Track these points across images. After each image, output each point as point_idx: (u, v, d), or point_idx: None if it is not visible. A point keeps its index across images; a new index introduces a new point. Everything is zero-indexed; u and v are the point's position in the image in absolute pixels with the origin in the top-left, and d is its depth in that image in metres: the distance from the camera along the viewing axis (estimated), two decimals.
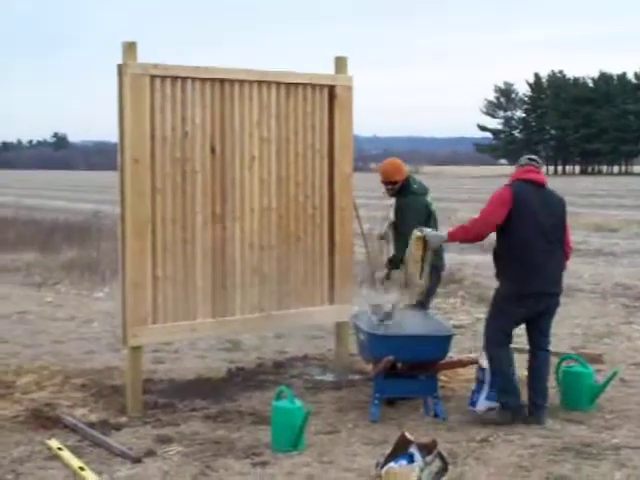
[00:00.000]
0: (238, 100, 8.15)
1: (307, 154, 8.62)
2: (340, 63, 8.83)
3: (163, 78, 7.72)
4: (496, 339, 7.46)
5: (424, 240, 7.69)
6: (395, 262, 8.79)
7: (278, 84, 8.39)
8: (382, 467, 5.99)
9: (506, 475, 6.21)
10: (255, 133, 8.27)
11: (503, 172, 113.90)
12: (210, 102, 8.00)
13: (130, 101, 7.52)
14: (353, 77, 8.83)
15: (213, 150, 8.05)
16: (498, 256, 7.54)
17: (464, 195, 48.52)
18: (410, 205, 8.77)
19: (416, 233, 7.71)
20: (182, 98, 7.85)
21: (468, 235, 7.50)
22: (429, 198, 8.94)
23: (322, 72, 8.77)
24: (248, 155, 8.24)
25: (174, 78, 7.78)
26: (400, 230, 8.72)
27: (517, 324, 7.61)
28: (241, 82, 8.15)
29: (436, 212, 8.98)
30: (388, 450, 6.15)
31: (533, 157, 7.64)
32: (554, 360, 8.55)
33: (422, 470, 5.88)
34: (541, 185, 7.51)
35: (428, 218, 8.70)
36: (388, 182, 8.88)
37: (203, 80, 7.94)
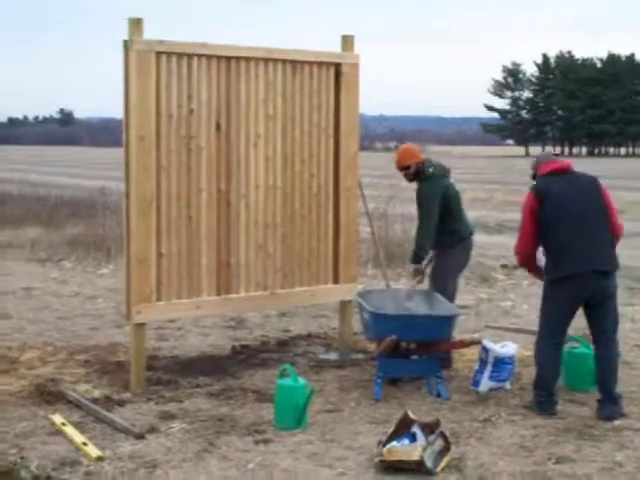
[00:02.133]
0: (244, 77, 8.13)
1: (313, 132, 8.60)
2: (347, 41, 8.79)
3: (169, 55, 7.70)
4: (543, 332, 7.28)
5: None
6: (418, 255, 8.54)
7: (284, 62, 8.36)
8: (384, 446, 6.00)
9: (508, 455, 6.22)
10: (261, 111, 8.25)
11: (510, 152, 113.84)
12: (216, 79, 7.98)
13: (136, 78, 7.50)
14: (359, 55, 8.79)
15: (218, 127, 8.03)
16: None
17: (470, 176, 48.42)
18: (424, 191, 8.48)
19: None
20: (188, 75, 7.83)
21: (520, 255, 7.49)
22: (451, 179, 8.68)
23: (328, 50, 8.74)
24: (253, 133, 8.22)
25: (180, 55, 7.76)
26: (419, 216, 8.53)
27: (566, 314, 7.26)
28: (247, 59, 8.12)
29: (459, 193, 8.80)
30: (391, 429, 6.17)
31: (549, 153, 7.55)
32: None
33: (424, 449, 5.90)
34: (564, 171, 7.33)
35: (449, 200, 8.46)
36: (401, 168, 8.67)
37: (209, 57, 7.91)
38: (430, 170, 8.55)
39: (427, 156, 8.82)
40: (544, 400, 7.17)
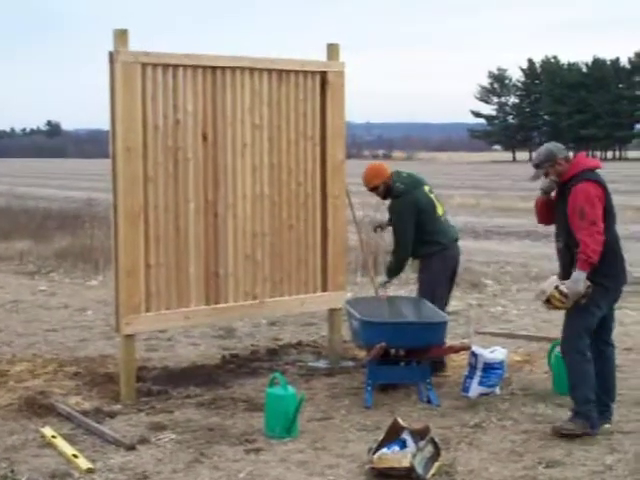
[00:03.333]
0: (230, 87, 8.14)
1: (299, 141, 8.62)
2: (332, 50, 8.81)
3: (154, 66, 7.71)
4: (577, 343, 6.74)
5: (563, 294, 6.66)
6: (394, 271, 8.63)
7: (270, 71, 8.37)
8: (374, 453, 6.01)
9: (499, 460, 6.23)
10: (247, 120, 8.27)
11: (497, 158, 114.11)
12: (202, 89, 8.00)
13: (121, 89, 7.51)
14: (345, 63, 8.82)
15: (205, 137, 8.04)
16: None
17: (458, 182, 48.53)
18: (396, 209, 8.46)
19: (555, 295, 6.68)
20: (174, 86, 7.84)
21: (596, 248, 6.51)
22: (425, 188, 8.58)
23: (314, 59, 8.77)
24: (240, 142, 8.24)
25: (165, 66, 7.77)
26: (394, 234, 8.53)
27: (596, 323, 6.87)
28: (232, 69, 8.14)
29: (436, 199, 8.67)
30: (381, 436, 6.18)
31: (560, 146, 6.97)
32: (547, 345, 8.60)
33: (414, 456, 5.91)
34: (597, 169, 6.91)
35: (422, 212, 8.37)
36: (370, 189, 8.66)
37: (194, 67, 7.93)
38: (399, 186, 8.48)
39: (396, 169, 8.74)
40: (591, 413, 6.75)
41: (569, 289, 6.60)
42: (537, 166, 6.89)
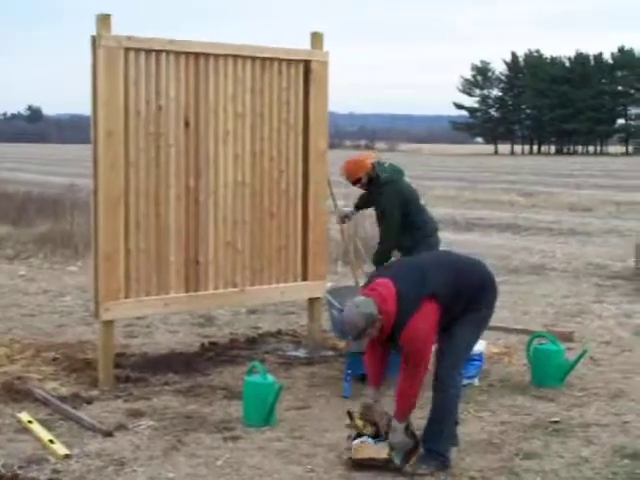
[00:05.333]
0: (213, 74, 8.11)
1: (281, 129, 8.59)
2: (316, 38, 8.79)
3: (137, 51, 7.66)
4: (457, 377, 6.09)
5: None
6: (381, 260, 8.40)
7: (253, 59, 8.34)
8: (354, 440, 6.01)
9: (476, 452, 6.24)
10: (229, 108, 8.23)
11: (479, 150, 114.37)
12: (184, 76, 7.96)
13: (104, 74, 7.46)
14: (329, 53, 8.80)
15: (187, 124, 8.01)
16: None
17: (439, 174, 48.60)
18: (384, 199, 8.42)
19: None
20: (156, 71, 7.80)
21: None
22: (406, 179, 8.63)
23: (298, 47, 8.74)
24: (222, 130, 8.21)
25: (148, 51, 7.73)
26: (381, 223, 8.52)
27: None
28: (216, 56, 8.10)
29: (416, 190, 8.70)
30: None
31: None
32: (526, 338, 8.63)
33: (392, 448, 5.91)
34: None
35: (408, 202, 8.37)
36: (353, 182, 8.62)
37: (177, 53, 7.89)
38: (384, 175, 8.47)
39: (376, 160, 8.67)
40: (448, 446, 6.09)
41: (394, 443, 6.00)
42: (359, 337, 5.93)
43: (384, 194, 8.42)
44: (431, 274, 5.96)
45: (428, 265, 6.14)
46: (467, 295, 5.98)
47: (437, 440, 5.97)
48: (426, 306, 5.81)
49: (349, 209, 9.15)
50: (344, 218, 9.14)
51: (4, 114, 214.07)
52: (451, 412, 6.07)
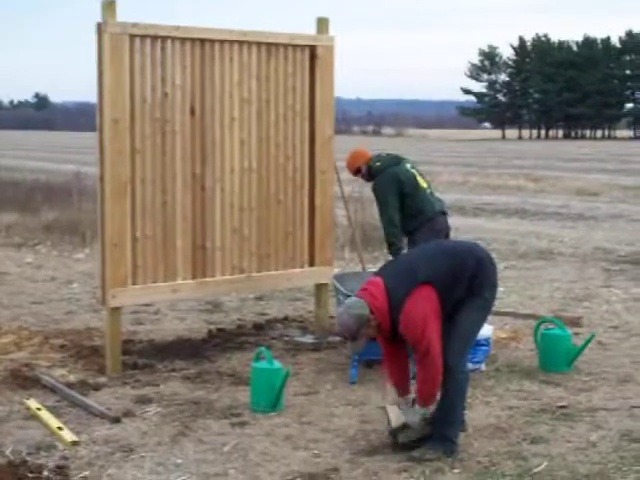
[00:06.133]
0: (218, 60, 8.09)
1: (288, 115, 8.58)
2: (322, 24, 8.76)
3: (143, 37, 7.66)
4: (463, 361, 6.10)
5: None
6: (393, 245, 8.37)
7: (259, 44, 8.33)
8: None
9: (484, 436, 6.24)
10: (235, 94, 8.22)
11: (486, 135, 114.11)
12: (190, 62, 7.95)
13: (109, 61, 7.45)
14: (335, 37, 8.77)
15: (193, 111, 8.00)
16: None
17: (446, 159, 48.51)
18: (377, 185, 8.43)
19: None
20: (162, 58, 7.79)
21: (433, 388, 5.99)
22: (407, 165, 8.50)
23: (304, 32, 8.72)
24: (228, 116, 8.20)
25: (154, 38, 7.72)
26: (380, 211, 8.47)
27: None
28: (221, 42, 8.09)
29: (419, 174, 8.62)
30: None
31: None
32: (533, 323, 8.62)
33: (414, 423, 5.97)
34: None
35: (403, 185, 8.29)
36: (354, 172, 8.64)
37: (183, 40, 7.87)
38: (377, 164, 8.48)
39: (377, 152, 8.76)
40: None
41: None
42: (354, 338, 5.95)
43: (377, 181, 8.44)
44: (420, 265, 5.99)
45: (417, 257, 6.21)
46: (466, 279, 5.98)
47: (446, 425, 5.97)
48: (418, 293, 5.82)
49: None
50: None
51: (11, 102, 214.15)
52: (460, 398, 6.07)
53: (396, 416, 6.00)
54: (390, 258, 8.39)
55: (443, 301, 5.88)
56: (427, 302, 5.83)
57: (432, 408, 6.03)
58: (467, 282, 5.98)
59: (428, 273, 5.90)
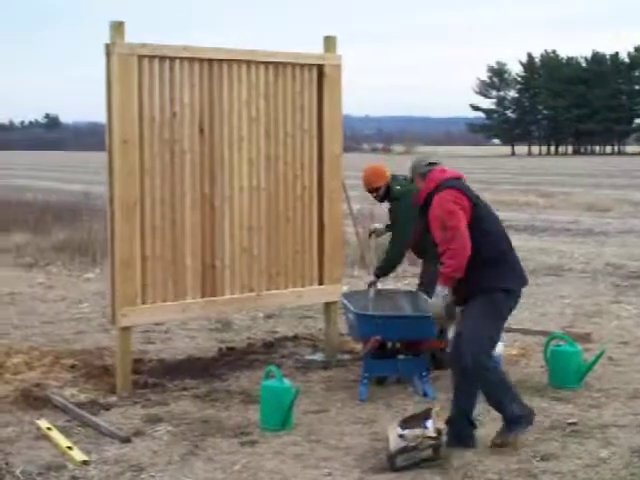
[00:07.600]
0: (227, 80, 8.13)
1: (296, 134, 8.61)
2: (329, 42, 8.80)
3: (151, 58, 7.70)
4: (484, 357, 6.33)
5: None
6: (385, 270, 8.54)
7: (266, 64, 8.36)
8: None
9: (493, 453, 6.23)
10: (244, 113, 8.26)
11: (496, 152, 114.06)
12: (198, 82, 7.99)
13: (118, 81, 7.50)
14: (342, 56, 8.81)
15: (202, 130, 8.03)
16: None
17: None
18: (397, 212, 8.45)
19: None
20: (170, 78, 7.83)
21: (459, 262, 6.29)
22: None
23: (311, 51, 8.76)
24: (237, 135, 8.23)
25: (162, 58, 7.76)
26: (394, 235, 8.50)
27: None
28: (229, 62, 8.13)
29: None
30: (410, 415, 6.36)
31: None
32: (543, 339, 8.61)
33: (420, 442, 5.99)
34: None
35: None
36: (371, 190, 8.65)
37: (191, 60, 7.92)
38: (398, 189, 8.48)
39: (392, 173, 8.73)
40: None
41: (431, 305, 6.59)
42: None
43: (398, 208, 8.42)
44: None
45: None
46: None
47: (507, 410, 6.31)
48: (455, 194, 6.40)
49: (380, 225, 9.08)
50: (372, 233, 9.09)
51: (22, 122, 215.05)
52: (500, 391, 6.35)
53: (395, 440, 5.99)
54: (371, 278, 8.57)
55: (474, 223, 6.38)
56: (458, 201, 6.38)
57: (443, 416, 6.21)
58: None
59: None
